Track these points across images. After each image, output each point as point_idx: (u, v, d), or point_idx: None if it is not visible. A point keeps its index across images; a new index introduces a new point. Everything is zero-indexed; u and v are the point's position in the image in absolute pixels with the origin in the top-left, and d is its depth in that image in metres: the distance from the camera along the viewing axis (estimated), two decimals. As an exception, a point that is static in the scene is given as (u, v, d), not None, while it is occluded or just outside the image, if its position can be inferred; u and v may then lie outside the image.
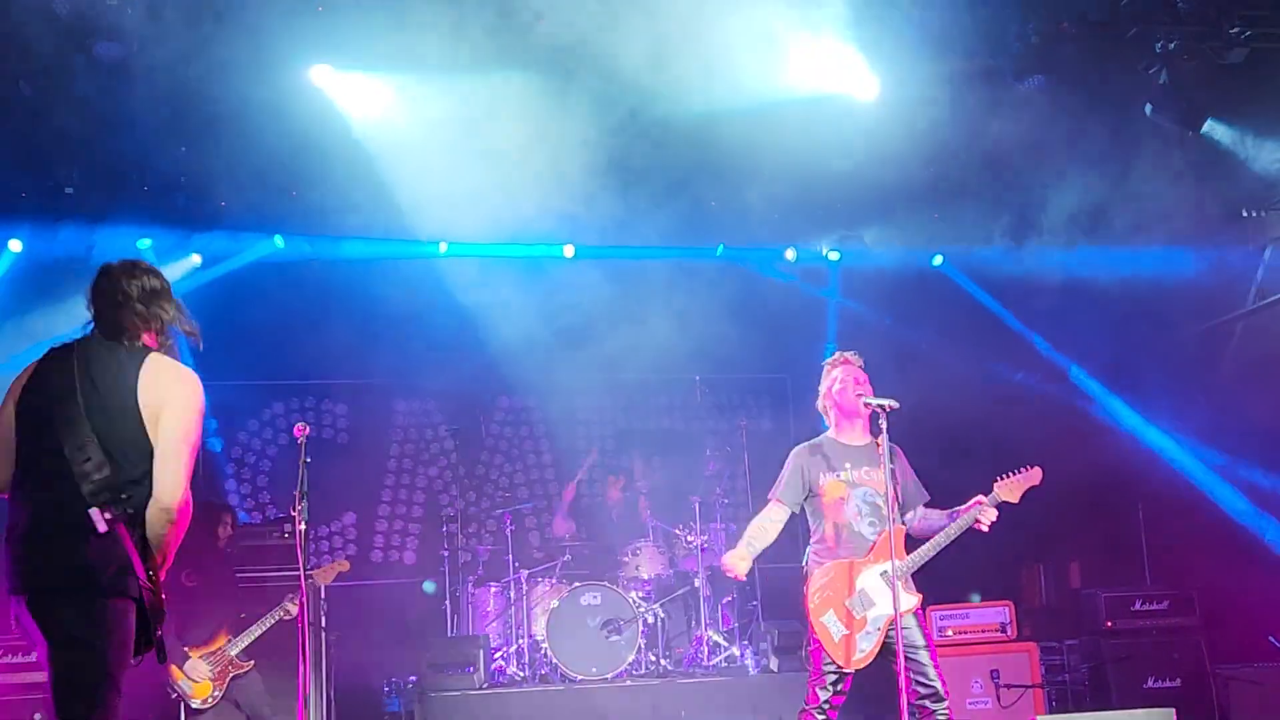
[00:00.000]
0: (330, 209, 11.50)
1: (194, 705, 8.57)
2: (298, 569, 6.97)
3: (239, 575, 9.45)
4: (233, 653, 8.70)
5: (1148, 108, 10.34)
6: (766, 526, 6.71)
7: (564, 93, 9.82)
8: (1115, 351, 12.25)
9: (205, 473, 11.60)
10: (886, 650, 6.31)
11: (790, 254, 13.32)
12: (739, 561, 6.66)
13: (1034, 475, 6.51)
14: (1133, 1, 9.61)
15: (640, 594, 10.39)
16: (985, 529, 6.41)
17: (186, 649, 8.59)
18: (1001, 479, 6.48)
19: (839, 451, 6.68)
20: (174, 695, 8.61)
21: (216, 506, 9.49)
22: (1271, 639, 10.47)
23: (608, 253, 12.83)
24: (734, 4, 9.13)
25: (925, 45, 9.98)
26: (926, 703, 6.23)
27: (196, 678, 8.56)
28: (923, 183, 11.54)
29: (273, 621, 8.71)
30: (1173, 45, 9.73)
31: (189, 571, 8.58)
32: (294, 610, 8.52)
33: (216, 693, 8.62)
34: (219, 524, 9.16)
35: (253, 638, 8.68)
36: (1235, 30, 9.66)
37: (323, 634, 9.56)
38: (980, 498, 6.43)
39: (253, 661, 9.04)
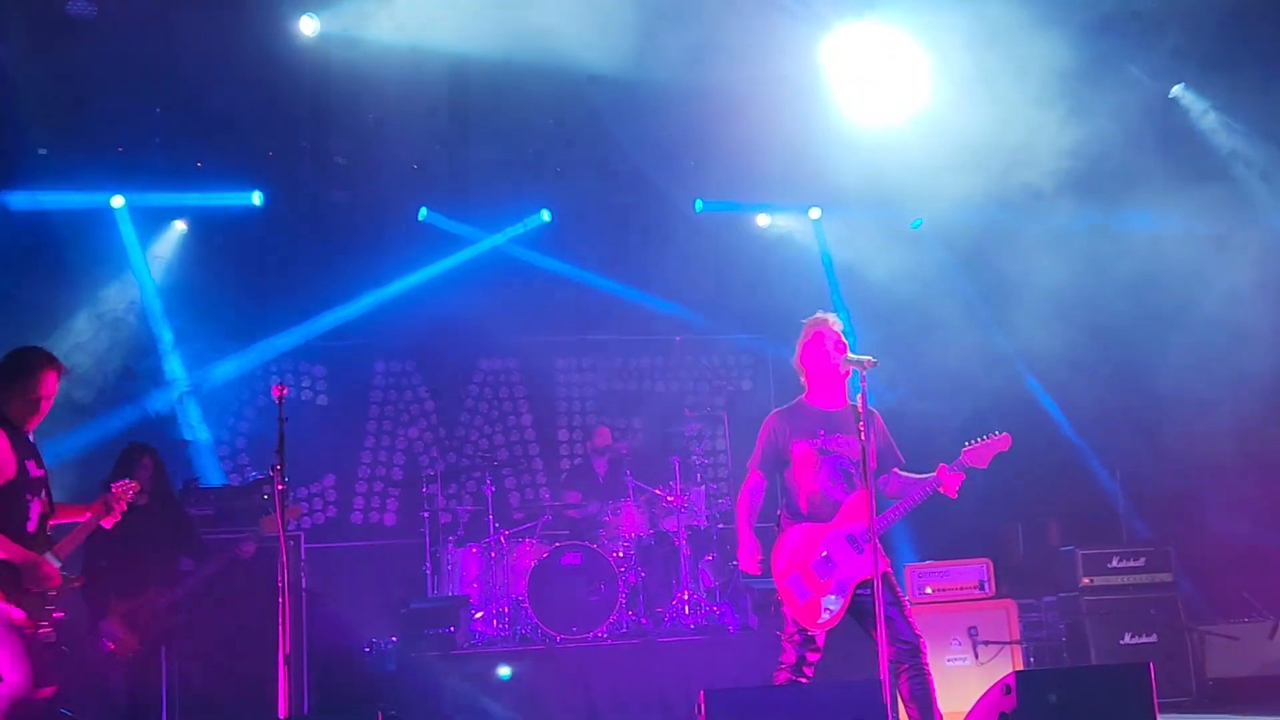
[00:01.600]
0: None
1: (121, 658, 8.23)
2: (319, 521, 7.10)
3: (218, 537, 9.04)
4: (162, 605, 8.36)
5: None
6: (755, 500, 6.71)
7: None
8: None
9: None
10: (860, 610, 6.33)
11: (763, 218, 13.48)
12: (750, 556, 6.59)
13: (1002, 441, 6.47)
14: None
15: (621, 553, 10.43)
16: (954, 496, 6.42)
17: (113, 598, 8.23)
18: (970, 445, 6.46)
19: (813, 416, 6.67)
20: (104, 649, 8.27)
21: (133, 449, 8.78)
22: (1247, 594, 10.58)
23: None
24: None
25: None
26: (905, 658, 6.27)
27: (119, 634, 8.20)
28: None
29: (213, 570, 8.53)
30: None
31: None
32: (246, 552, 8.38)
33: (140, 647, 8.26)
34: (135, 467, 8.42)
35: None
36: None
37: (302, 594, 9.52)
38: (944, 466, 6.43)
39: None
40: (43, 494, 6.32)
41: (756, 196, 13.15)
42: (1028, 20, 10.27)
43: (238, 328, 12.32)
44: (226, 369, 12.36)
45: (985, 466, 6.48)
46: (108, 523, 6.59)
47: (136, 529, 8.15)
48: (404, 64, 10.27)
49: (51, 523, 6.41)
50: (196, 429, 12.17)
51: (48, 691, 6.16)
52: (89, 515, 6.52)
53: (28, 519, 6.18)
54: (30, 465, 6.25)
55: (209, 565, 8.46)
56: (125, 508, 6.65)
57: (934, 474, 6.41)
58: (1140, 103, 11.51)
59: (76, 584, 6.52)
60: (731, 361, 13.92)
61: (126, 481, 6.74)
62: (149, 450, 8.76)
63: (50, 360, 6.38)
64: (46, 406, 6.36)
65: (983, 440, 6.45)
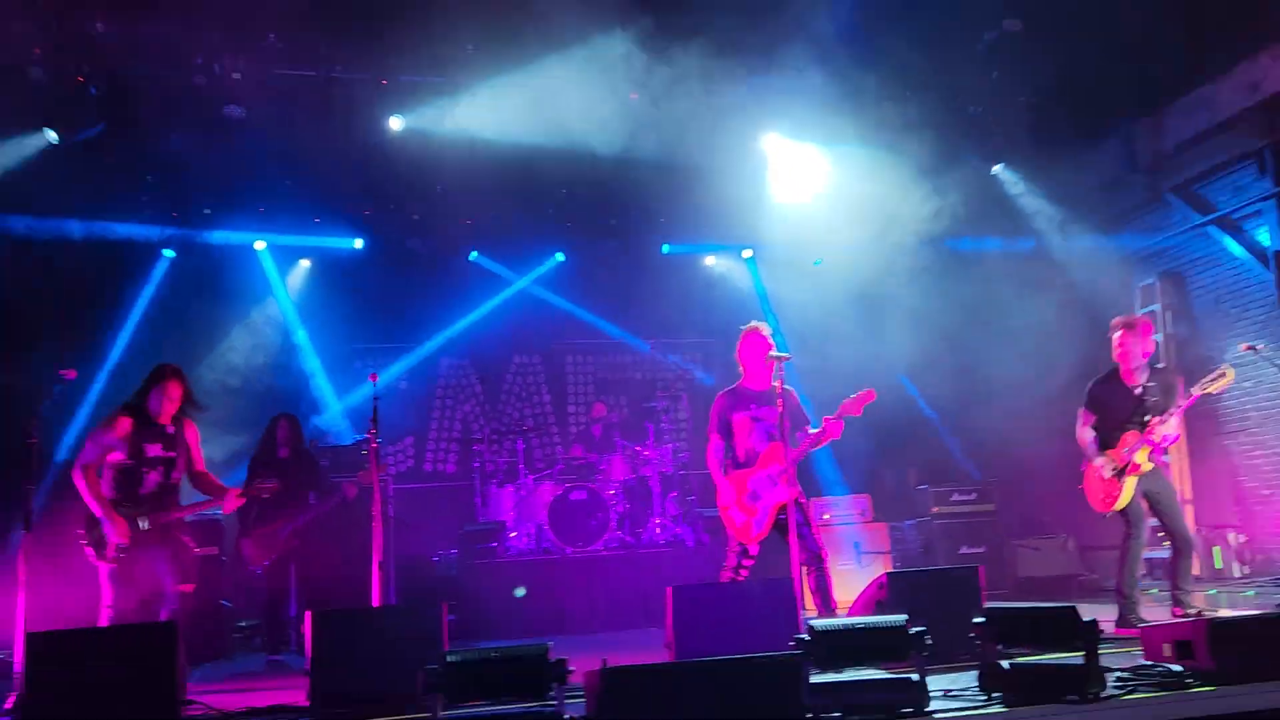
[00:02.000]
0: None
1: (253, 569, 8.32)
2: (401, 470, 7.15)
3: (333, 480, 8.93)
4: (285, 533, 8.18)
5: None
6: (719, 456, 6.70)
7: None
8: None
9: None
10: (780, 528, 6.34)
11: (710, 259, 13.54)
12: (728, 493, 6.61)
13: (869, 395, 6.39)
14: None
15: (613, 491, 10.47)
16: (838, 436, 6.36)
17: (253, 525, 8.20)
18: (846, 400, 6.37)
19: (748, 395, 6.72)
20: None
21: (275, 417, 8.75)
22: (1047, 519, 10.68)
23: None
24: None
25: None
26: (812, 563, 6.34)
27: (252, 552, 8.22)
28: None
29: (326, 507, 8.36)
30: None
31: (261, 467, 8.20)
32: (350, 493, 8.12)
33: (268, 562, 8.25)
34: (275, 430, 8.57)
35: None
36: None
37: (389, 521, 9.53)
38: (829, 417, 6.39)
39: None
40: (161, 469, 6.23)
41: (706, 241, 13.20)
42: (899, 122, 10.39)
43: (346, 334, 12.32)
44: (337, 363, 12.39)
45: (860, 414, 6.39)
46: (227, 508, 6.53)
47: (280, 475, 8.11)
48: (461, 149, 10.25)
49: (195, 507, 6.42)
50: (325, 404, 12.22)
51: (188, 587, 6.25)
52: (217, 501, 6.45)
53: (141, 485, 6.15)
54: (151, 447, 6.21)
55: (325, 503, 8.36)
56: (244, 502, 6.62)
57: (822, 425, 6.39)
58: (973, 179, 11.63)
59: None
60: (688, 358, 13.95)
61: (265, 484, 6.69)
62: (289, 416, 8.77)
63: (176, 372, 6.37)
64: (171, 405, 6.29)
65: (854, 395, 6.39)
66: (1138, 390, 6.78)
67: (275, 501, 8.04)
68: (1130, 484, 6.66)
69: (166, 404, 6.28)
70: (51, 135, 9.46)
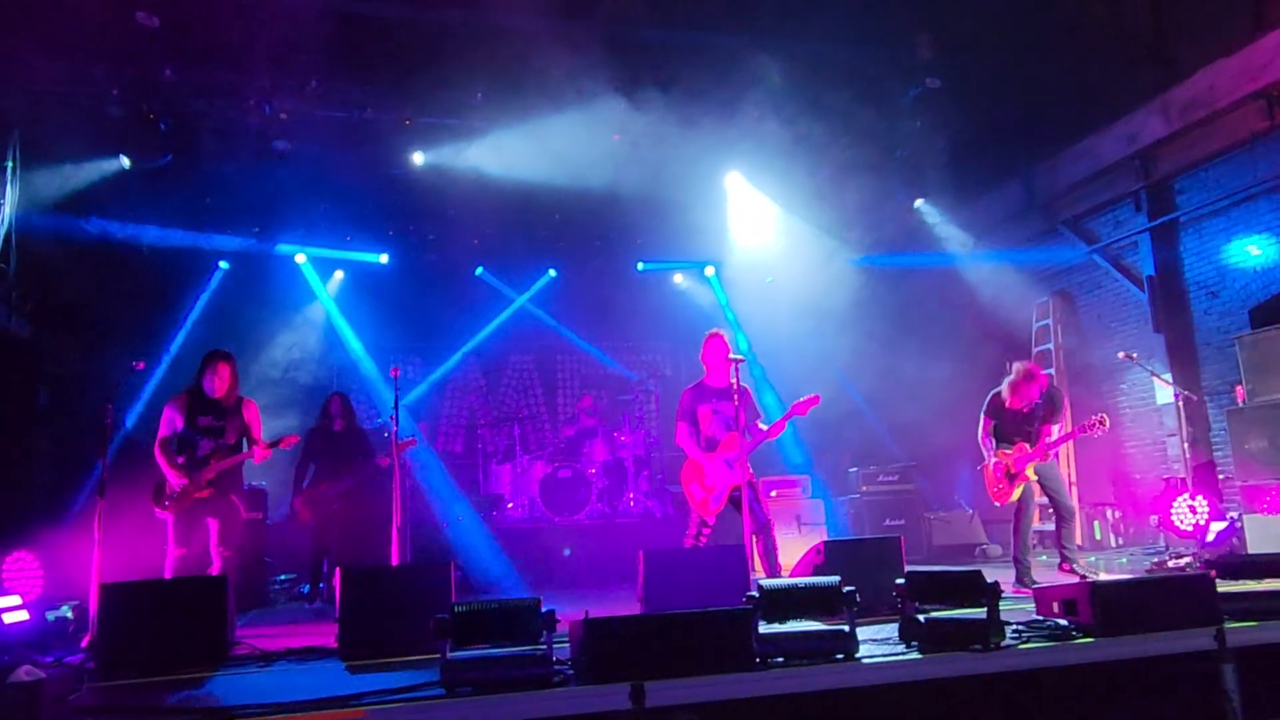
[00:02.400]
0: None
1: (302, 525, 8.23)
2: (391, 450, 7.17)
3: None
4: (331, 494, 8.12)
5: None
6: (691, 438, 6.69)
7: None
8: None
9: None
10: (734, 503, 6.40)
11: (678, 277, 13.51)
12: (707, 463, 6.62)
13: (814, 399, 6.45)
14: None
15: (594, 470, 10.48)
16: (776, 435, 6.48)
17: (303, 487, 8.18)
18: (796, 402, 6.42)
19: (709, 391, 6.74)
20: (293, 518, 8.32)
21: (330, 395, 8.70)
22: (956, 496, 10.73)
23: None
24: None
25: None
26: (761, 532, 6.36)
27: (299, 510, 8.15)
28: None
29: (366, 473, 8.17)
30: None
31: (318, 437, 8.33)
32: (384, 463, 7.90)
33: (312, 520, 8.16)
34: (329, 405, 8.52)
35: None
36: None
37: (408, 491, 9.46)
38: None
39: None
40: (212, 436, 6.30)
41: (676, 259, 13.21)
42: (840, 162, 10.46)
43: (375, 333, 12.26)
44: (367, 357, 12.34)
45: (805, 415, 6.44)
46: (256, 459, 6.43)
47: (330, 445, 8.31)
48: (470, 180, 10.26)
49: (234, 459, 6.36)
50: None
51: (227, 552, 6.29)
52: (248, 454, 6.40)
53: (197, 450, 6.24)
54: (203, 419, 6.31)
55: (363, 471, 8.22)
56: (269, 454, 6.42)
57: (771, 425, 6.45)
58: (899, 212, 11.72)
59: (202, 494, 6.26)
60: (659, 358, 13.96)
61: (288, 437, 6.55)
62: (341, 394, 8.75)
63: (224, 356, 6.44)
64: (221, 383, 6.35)
65: (802, 399, 6.43)
66: (1025, 410, 6.86)
67: (328, 468, 8.18)
68: (1019, 488, 6.80)
69: (217, 382, 6.36)
70: (125, 161, 9.40)
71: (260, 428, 6.56)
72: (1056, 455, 6.97)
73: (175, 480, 6.14)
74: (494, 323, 12.97)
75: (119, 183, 9.52)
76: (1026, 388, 6.80)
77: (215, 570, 6.19)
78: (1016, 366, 6.95)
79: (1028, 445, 6.76)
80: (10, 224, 7.99)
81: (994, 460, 6.88)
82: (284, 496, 8.77)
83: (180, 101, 9.02)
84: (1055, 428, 6.79)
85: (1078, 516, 6.97)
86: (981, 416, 7.03)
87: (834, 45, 9.89)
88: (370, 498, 8.39)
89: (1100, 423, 6.60)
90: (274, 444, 6.42)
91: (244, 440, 6.48)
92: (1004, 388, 6.89)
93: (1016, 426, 6.86)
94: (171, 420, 6.30)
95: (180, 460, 6.22)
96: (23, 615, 5.60)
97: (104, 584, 5.03)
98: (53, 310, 9.33)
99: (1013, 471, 6.79)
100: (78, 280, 9.68)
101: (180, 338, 11.04)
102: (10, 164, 8.07)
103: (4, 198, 8.02)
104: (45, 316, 9.17)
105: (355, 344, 12.02)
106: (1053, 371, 10.59)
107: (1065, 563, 6.83)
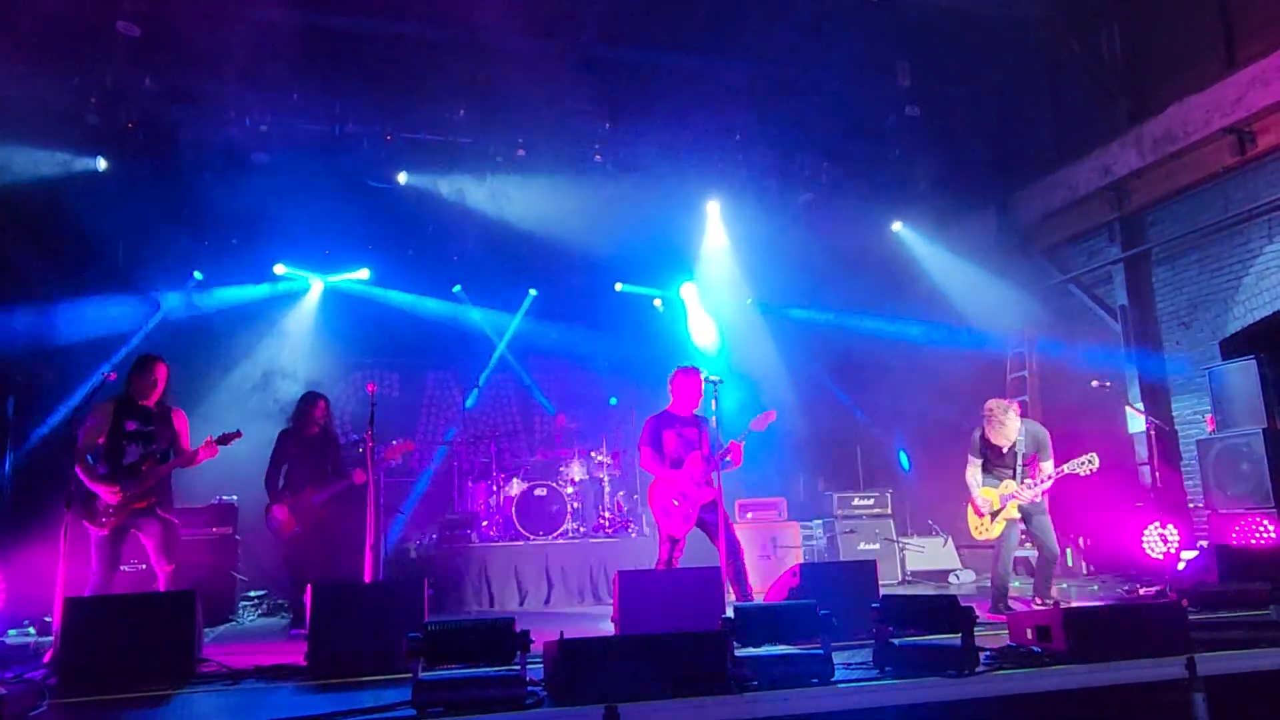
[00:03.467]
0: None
1: (283, 536, 7.40)
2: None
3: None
4: (316, 501, 7.37)
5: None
6: (650, 466, 6.71)
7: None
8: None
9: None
10: (702, 524, 6.46)
11: (658, 302, 13.54)
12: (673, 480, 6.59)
13: (770, 415, 6.53)
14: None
15: (571, 489, 10.42)
16: (738, 462, 6.46)
17: (285, 494, 7.38)
18: (755, 418, 6.48)
19: (675, 418, 6.81)
20: (270, 530, 7.53)
21: (311, 395, 7.83)
22: (930, 521, 10.75)
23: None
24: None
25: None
26: (731, 555, 6.34)
27: (283, 518, 7.34)
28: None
29: (344, 484, 7.43)
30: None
31: (293, 441, 7.51)
32: (359, 479, 7.29)
33: (298, 529, 7.33)
34: (313, 408, 7.64)
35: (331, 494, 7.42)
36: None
37: (380, 508, 9.27)
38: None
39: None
40: (140, 442, 6.05)
41: (654, 282, 13.22)
42: (821, 184, 10.52)
43: (347, 349, 12.18)
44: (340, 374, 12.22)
45: (764, 429, 6.49)
46: (199, 459, 6.14)
47: (308, 451, 7.57)
48: (452, 202, 10.29)
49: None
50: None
51: (169, 567, 6.06)
52: (188, 457, 6.13)
53: (124, 457, 6.01)
54: (130, 424, 6.07)
55: (340, 482, 7.47)
56: (215, 452, 6.16)
57: (728, 445, 6.47)
58: (878, 236, 11.82)
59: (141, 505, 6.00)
60: (637, 378, 13.89)
61: (231, 434, 6.25)
62: (322, 396, 7.86)
63: (158, 360, 6.25)
64: (152, 388, 6.16)
65: (758, 416, 6.49)
66: (1006, 449, 6.92)
67: (308, 473, 7.49)
68: (1000, 525, 6.87)
69: (146, 387, 6.15)
70: (101, 163, 9.27)
71: (188, 438, 6.29)
72: (1045, 495, 7.00)
73: (106, 493, 5.85)
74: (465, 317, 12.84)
75: (93, 185, 9.35)
76: (1004, 425, 6.86)
77: (161, 586, 6.01)
78: (990, 405, 7.01)
79: (1013, 483, 6.83)
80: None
81: (980, 500, 6.94)
82: (255, 511, 8.56)
83: (159, 112, 8.95)
84: (1047, 464, 6.83)
85: (1056, 560, 7.00)
86: (969, 455, 7.08)
87: (816, 71, 9.98)
88: (344, 515, 8.17)
89: (1088, 463, 6.65)
90: (220, 441, 6.15)
91: (171, 450, 6.21)
92: (985, 427, 6.96)
93: (1001, 463, 6.95)
94: (94, 428, 6.01)
95: (102, 470, 5.94)
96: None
97: (68, 598, 4.93)
98: (20, 318, 9.18)
99: (995, 508, 6.86)
100: (47, 287, 9.55)
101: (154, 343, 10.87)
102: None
103: None
104: (12, 325, 9.03)
105: (328, 358, 11.89)
106: (1027, 399, 10.67)
107: (1038, 596, 6.87)
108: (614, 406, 12.04)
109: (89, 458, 5.96)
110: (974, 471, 7.05)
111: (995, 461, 6.99)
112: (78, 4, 7.80)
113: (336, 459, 7.70)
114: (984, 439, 7.01)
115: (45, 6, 7.78)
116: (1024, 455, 6.89)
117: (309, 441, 7.60)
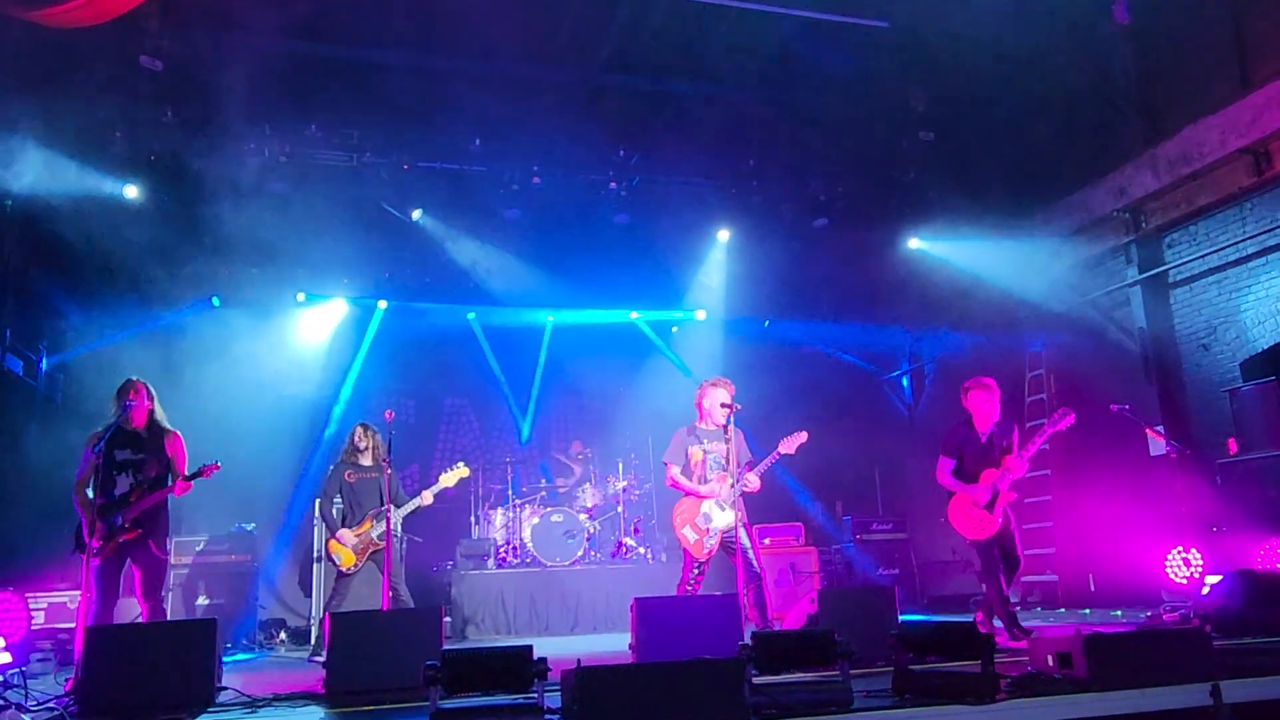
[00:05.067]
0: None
1: (344, 570, 7.40)
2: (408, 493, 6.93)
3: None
4: (374, 534, 7.40)
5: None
6: (677, 477, 6.67)
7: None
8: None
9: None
10: (726, 548, 6.40)
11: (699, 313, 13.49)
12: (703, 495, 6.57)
13: (802, 436, 6.47)
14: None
15: (586, 515, 10.42)
16: (758, 486, 6.44)
17: (343, 528, 7.44)
18: (785, 438, 6.44)
19: (702, 433, 6.76)
20: (330, 563, 7.55)
21: (359, 427, 7.96)
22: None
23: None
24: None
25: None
26: (752, 580, 6.30)
27: (347, 546, 7.38)
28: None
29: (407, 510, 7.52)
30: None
31: (350, 470, 7.66)
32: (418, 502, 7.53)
33: (360, 562, 7.42)
34: (359, 439, 7.80)
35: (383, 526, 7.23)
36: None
37: (403, 537, 9.30)
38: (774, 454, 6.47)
39: (406, 536, 8.47)
40: (129, 471, 5.98)
41: (671, 306, 13.21)
42: (837, 208, 10.50)
43: (370, 375, 12.26)
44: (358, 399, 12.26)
45: (794, 452, 6.44)
46: (177, 492, 6.06)
47: (366, 483, 7.67)
48: (467, 232, 10.38)
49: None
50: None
51: (151, 600, 5.98)
52: (170, 489, 6.03)
53: (115, 486, 5.92)
54: (120, 453, 5.99)
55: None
56: (190, 487, 6.07)
57: (765, 459, 6.46)
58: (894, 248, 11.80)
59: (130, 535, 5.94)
60: (653, 403, 13.88)
61: (209, 466, 6.11)
62: (371, 426, 7.97)
63: (138, 382, 6.15)
64: (139, 414, 6.08)
65: (791, 436, 6.45)
66: (985, 437, 6.86)
67: (365, 503, 7.57)
68: (1002, 514, 6.71)
69: (133, 412, 6.07)
70: (132, 191, 9.28)
71: (185, 462, 6.19)
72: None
73: (96, 525, 5.75)
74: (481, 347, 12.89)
75: (117, 210, 9.42)
76: (988, 403, 6.82)
77: (144, 619, 5.96)
78: (969, 382, 6.96)
79: (995, 470, 6.73)
80: (8, 262, 7.98)
81: (969, 490, 6.76)
82: (269, 539, 8.60)
83: (181, 142, 9.08)
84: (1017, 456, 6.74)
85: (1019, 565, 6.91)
86: (940, 458, 6.95)
87: (829, 97, 10.03)
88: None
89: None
90: (194, 475, 6.06)
91: (168, 475, 6.12)
92: (969, 418, 6.91)
93: (979, 460, 6.82)
94: (88, 459, 5.90)
95: (99, 502, 5.85)
96: (5, 658, 5.51)
97: (89, 626, 4.97)
98: (48, 344, 9.29)
99: (997, 490, 6.70)
100: (72, 313, 9.67)
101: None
102: (8, 202, 8.08)
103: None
104: (35, 354, 9.13)
105: (349, 387, 11.96)
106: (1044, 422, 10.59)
107: (1011, 623, 6.68)
108: (628, 432, 12.02)
109: (88, 491, 5.91)
110: (947, 473, 6.90)
111: (972, 459, 6.78)
112: (105, 40, 7.94)
113: (395, 487, 7.60)
114: (961, 435, 6.87)
115: (74, 42, 7.94)
116: (1001, 450, 6.77)
117: (368, 471, 7.77)
